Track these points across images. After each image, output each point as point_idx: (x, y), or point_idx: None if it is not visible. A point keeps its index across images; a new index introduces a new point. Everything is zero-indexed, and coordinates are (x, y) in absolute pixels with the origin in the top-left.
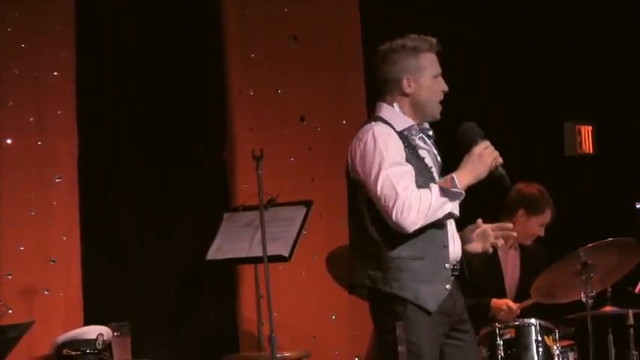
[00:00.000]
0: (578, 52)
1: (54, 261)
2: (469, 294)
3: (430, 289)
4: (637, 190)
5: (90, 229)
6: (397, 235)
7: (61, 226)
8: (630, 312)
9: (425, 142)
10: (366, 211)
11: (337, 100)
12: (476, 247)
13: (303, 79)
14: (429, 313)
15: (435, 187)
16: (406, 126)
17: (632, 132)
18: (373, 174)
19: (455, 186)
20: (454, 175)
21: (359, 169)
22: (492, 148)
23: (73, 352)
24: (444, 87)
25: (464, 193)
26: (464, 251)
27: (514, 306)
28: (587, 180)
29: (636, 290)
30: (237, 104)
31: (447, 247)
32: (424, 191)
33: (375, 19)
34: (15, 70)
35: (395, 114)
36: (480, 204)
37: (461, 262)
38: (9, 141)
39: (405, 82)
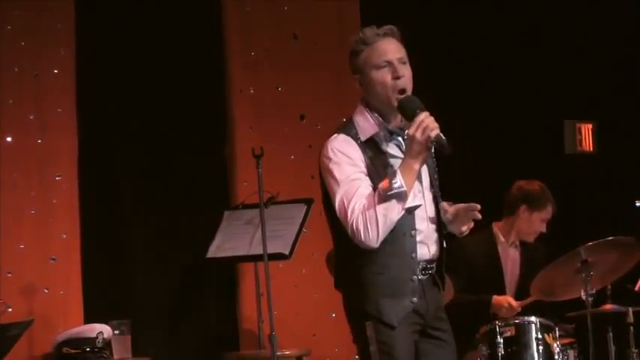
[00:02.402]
0: (579, 50)
1: (54, 259)
2: (470, 290)
3: (393, 304)
4: (637, 188)
5: (90, 227)
6: (360, 251)
7: (61, 224)
8: (630, 310)
9: (400, 149)
10: (332, 222)
11: (337, 98)
12: (455, 229)
13: (303, 77)
14: (392, 327)
15: (377, 195)
16: (372, 133)
17: (632, 130)
18: (332, 196)
19: (398, 187)
20: (398, 169)
21: (324, 182)
22: (427, 121)
23: (73, 351)
24: (395, 73)
25: (406, 189)
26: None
27: (515, 303)
28: (587, 178)
29: (636, 288)
30: (237, 102)
31: (414, 258)
32: (369, 205)
33: (375, 17)
34: (15, 68)
35: (365, 119)
36: (481, 203)
37: (439, 259)
38: (9, 139)
39: (356, 84)
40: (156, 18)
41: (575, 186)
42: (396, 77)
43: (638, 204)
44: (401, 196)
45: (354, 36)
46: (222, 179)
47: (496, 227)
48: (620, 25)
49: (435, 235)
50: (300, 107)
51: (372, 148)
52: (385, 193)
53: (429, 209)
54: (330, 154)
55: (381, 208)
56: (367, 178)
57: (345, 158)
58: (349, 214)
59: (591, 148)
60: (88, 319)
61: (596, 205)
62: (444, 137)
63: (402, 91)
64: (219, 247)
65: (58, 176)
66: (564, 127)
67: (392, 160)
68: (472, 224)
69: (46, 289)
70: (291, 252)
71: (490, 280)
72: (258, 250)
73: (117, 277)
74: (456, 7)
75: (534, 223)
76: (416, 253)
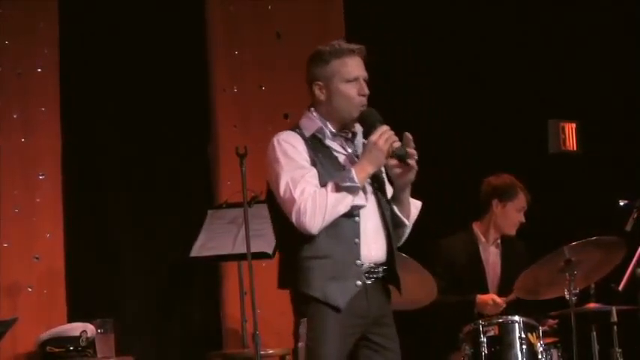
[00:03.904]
0: (562, 49)
1: (38, 258)
2: (452, 291)
3: (338, 285)
4: (621, 188)
5: (74, 226)
6: (303, 236)
7: (45, 223)
8: (614, 309)
9: (343, 147)
10: (275, 215)
11: None
12: (407, 175)
13: (287, 76)
14: (338, 309)
15: (330, 185)
16: (315, 129)
17: (615, 129)
18: (276, 181)
19: (350, 180)
20: (353, 167)
21: (268, 178)
22: (389, 133)
23: (57, 349)
24: (362, 90)
25: (359, 184)
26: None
27: (499, 300)
28: (570, 177)
29: (620, 287)
30: (221, 102)
31: (357, 243)
32: (320, 192)
33: (358, 17)
34: None
35: (309, 119)
36: (463, 203)
37: (388, 264)
38: None
39: (316, 89)
40: (140, 17)
41: (558, 185)
42: (362, 94)
43: (621, 203)
44: (352, 190)
45: (323, 46)
46: (206, 178)
47: (476, 227)
48: (605, 24)
49: (379, 239)
50: (283, 106)
51: (316, 143)
52: (339, 184)
53: (372, 210)
54: (276, 144)
55: (331, 198)
56: (313, 168)
57: (291, 147)
58: (297, 195)
59: (575, 148)
60: (72, 317)
61: (579, 204)
62: (404, 150)
63: (363, 106)
64: (203, 246)
65: (42, 175)
66: (548, 127)
67: (335, 154)
68: (415, 153)
69: (30, 287)
70: (274, 251)
71: (472, 280)
72: (241, 249)
73: (100, 276)
74: (440, 6)
75: (510, 214)
76: (359, 239)
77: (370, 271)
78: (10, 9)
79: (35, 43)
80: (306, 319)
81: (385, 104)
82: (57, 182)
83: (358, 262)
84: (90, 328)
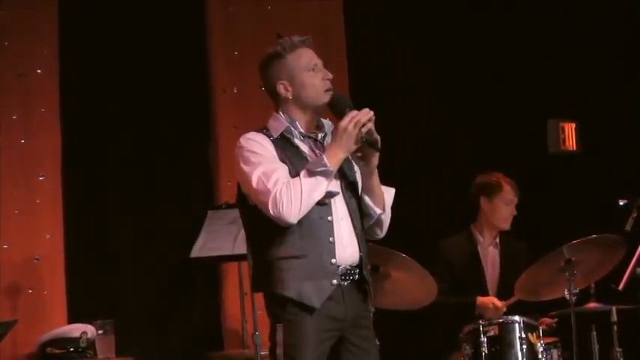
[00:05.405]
0: (562, 48)
1: (38, 259)
2: (452, 291)
3: (313, 285)
4: (620, 187)
5: (74, 227)
6: (276, 237)
7: (45, 224)
8: (614, 308)
9: (312, 149)
10: (247, 217)
11: None
12: (371, 156)
13: None
14: (313, 309)
15: (303, 172)
16: (283, 128)
17: (615, 128)
18: (248, 177)
19: (323, 165)
20: (323, 154)
21: (238, 178)
22: (358, 117)
23: (57, 351)
24: (325, 75)
25: (332, 169)
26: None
27: (500, 304)
28: (570, 177)
29: (620, 287)
30: (221, 102)
31: (332, 242)
32: (294, 180)
33: (359, 18)
34: None
35: (276, 120)
36: (462, 205)
37: (360, 266)
38: None
39: (281, 89)
40: (140, 17)
41: (558, 185)
42: (327, 78)
43: (621, 203)
44: (326, 174)
45: (272, 48)
46: (206, 179)
47: (473, 228)
48: (604, 24)
49: (352, 239)
50: None
51: (285, 144)
52: (312, 170)
53: (343, 212)
54: (244, 142)
55: (306, 184)
56: (283, 164)
57: (259, 145)
58: (271, 185)
59: (575, 147)
60: (72, 319)
61: (579, 204)
62: (376, 134)
63: (329, 89)
64: (203, 247)
65: (42, 176)
66: (548, 126)
67: (304, 154)
68: (379, 138)
69: (30, 289)
70: None
71: (472, 281)
72: (241, 249)
73: (101, 277)
74: (440, 5)
75: (499, 208)
76: (333, 237)
77: (346, 273)
78: (11, 10)
79: (35, 44)
80: (282, 324)
81: (385, 104)
82: (57, 183)
83: (333, 260)
84: (90, 330)
